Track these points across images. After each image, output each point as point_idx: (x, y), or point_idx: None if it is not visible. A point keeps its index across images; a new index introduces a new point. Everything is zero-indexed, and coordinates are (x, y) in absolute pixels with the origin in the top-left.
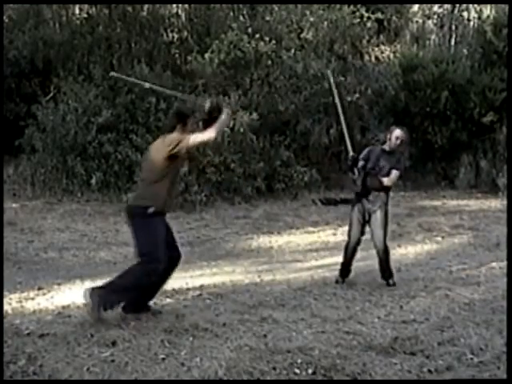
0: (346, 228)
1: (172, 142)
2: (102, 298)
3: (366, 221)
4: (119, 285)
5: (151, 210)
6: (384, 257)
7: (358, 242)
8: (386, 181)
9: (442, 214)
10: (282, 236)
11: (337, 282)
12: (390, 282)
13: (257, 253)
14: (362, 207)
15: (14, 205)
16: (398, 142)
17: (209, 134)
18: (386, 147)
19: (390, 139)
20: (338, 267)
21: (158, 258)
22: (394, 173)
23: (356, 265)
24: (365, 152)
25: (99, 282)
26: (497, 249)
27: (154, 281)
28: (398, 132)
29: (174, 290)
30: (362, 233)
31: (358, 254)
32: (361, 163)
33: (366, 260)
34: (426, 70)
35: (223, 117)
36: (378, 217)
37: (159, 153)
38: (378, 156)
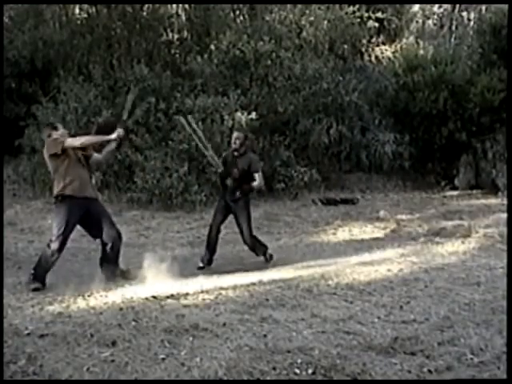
0: (347, 228)
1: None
2: None
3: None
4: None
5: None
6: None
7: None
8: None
9: (442, 213)
10: (281, 236)
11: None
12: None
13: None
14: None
15: (14, 205)
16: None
17: (77, 142)
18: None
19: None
20: (339, 267)
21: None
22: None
23: (354, 266)
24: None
25: (99, 282)
26: (497, 249)
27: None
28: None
29: (173, 289)
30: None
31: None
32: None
33: (365, 261)
34: (425, 70)
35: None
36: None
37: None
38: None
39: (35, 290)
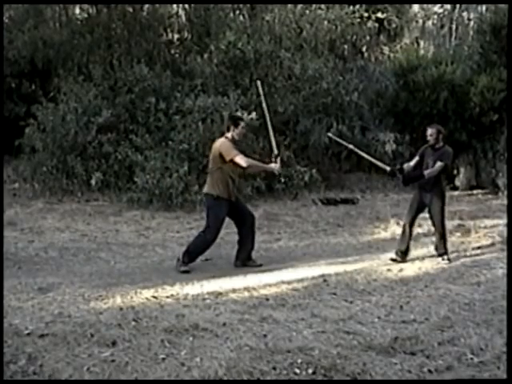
0: (347, 228)
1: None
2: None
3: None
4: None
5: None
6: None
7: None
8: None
9: None
10: (281, 236)
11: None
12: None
13: (256, 252)
14: None
15: (14, 205)
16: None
17: (243, 163)
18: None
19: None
20: (339, 267)
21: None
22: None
23: (353, 266)
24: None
25: (99, 282)
26: (497, 249)
27: None
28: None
29: (173, 289)
30: None
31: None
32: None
33: (365, 261)
34: (425, 70)
35: (271, 166)
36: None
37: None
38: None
39: (184, 272)
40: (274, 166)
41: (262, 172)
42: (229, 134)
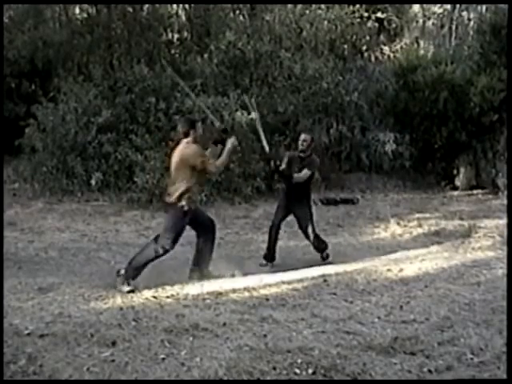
0: (347, 228)
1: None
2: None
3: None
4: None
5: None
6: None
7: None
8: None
9: (442, 214)
10: (281, 236)
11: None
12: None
13: (257, 252)
14: None
15: (14, 205)
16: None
17: (212, 168)
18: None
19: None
20: (339, 267)
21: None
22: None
23: (353, 266)
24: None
25: (99, 282)
26: (497, 249)
27: None
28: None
29: (173, 289)
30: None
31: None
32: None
33: (365, 260)
34: (425, 70)
35: (228, 145)
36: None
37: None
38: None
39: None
40: (230, 141)
41: (230, 157)
42: (190, 138)
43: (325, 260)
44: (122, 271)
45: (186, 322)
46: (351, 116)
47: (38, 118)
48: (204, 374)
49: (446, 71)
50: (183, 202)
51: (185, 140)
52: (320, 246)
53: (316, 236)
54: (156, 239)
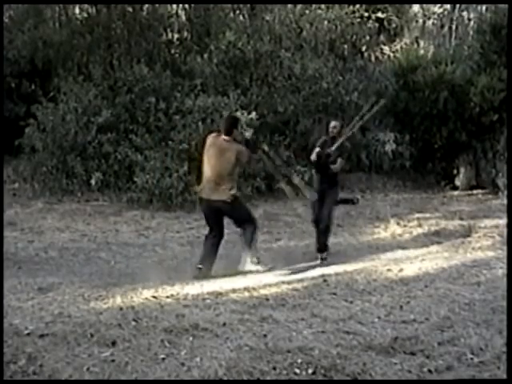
0: (347, 228)
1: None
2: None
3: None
4: None
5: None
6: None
7: None
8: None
9: (442, 214)
10: (281, 236)
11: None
12: (323, 256)
13: (256, 252)
14: None
15: (14, 205)
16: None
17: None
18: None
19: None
20: (339, 267)
21: None
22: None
23: (353, 266)
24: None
25: (99, 282)
26: (497, 249)
27: None
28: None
29: (173, 289)
30: None
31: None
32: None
33: (364, 260)
34: (425, 70)
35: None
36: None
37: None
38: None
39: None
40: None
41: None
42: (230, 136)
43: (322, 261)
44: (199, 266)
45: (185, 322)
46: (351, 116)
47: (37, 117)
48: (204, 374)
49: (446, 71)
50: (233, 191)
51: (225, 137)
52: (324, 241)
53: (328, 228)
54: (244, 228)
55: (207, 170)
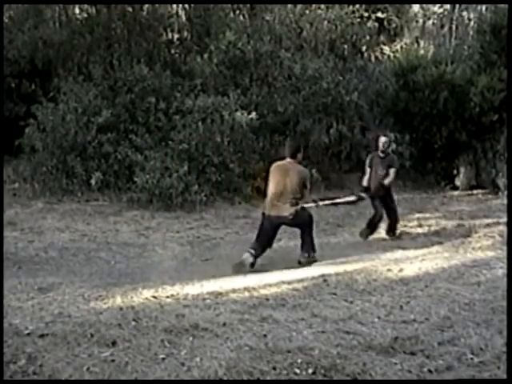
0: (347, 228)
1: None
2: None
3: None
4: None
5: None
6: None
7: None
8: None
9: (442, 214)
10: (281, 236)
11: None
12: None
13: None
14: None
15: (14, 205)
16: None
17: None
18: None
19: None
20: (339, 267)
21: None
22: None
23: (353, 266)
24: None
25: (99, 282)
26: (497, 249)
27: None
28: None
29: (173, 289)
30: None
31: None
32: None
33: (364, 260)
34: (425, 70)
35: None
36: None
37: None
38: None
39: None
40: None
41: None
42: (295, 160)
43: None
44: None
45: (185, 322)
46: (351, 116)
47: (37, 117)
48: (204, 374)
49: (446, 71)
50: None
51: (291, 160)
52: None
53: (396, 218)
54: (302, 232)
55: (272, 188)
